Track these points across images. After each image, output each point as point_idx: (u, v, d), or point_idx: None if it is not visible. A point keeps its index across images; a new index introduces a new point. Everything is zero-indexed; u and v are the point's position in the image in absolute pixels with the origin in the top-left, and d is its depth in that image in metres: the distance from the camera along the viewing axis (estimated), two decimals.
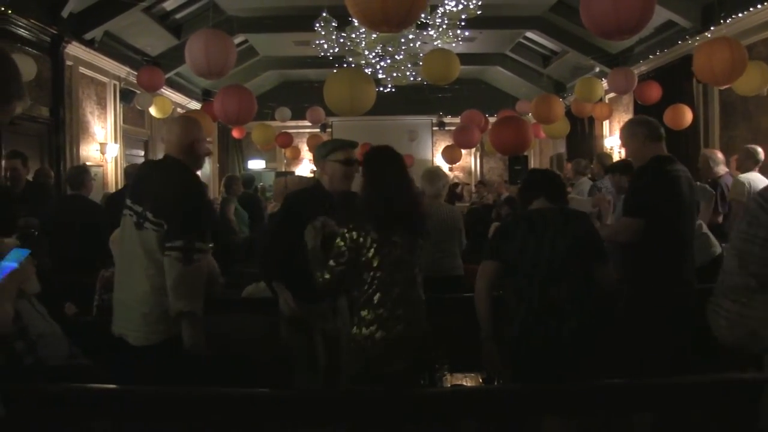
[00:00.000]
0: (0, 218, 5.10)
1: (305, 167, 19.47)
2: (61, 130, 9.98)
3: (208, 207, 3.57)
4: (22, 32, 8.83)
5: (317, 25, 11.20)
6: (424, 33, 11.52)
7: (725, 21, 9.03)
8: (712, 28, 9.33)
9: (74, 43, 10.16)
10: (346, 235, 3.00)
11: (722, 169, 6.55)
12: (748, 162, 6.37)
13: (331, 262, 3.02)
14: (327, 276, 3.03)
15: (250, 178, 10.72)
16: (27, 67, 7.88)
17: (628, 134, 3.99)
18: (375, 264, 2.99)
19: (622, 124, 13.16)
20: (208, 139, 4.70)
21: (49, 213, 6.01)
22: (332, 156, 3.59)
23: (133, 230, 3.26)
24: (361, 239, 2.99)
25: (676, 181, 3.77)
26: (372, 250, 2.99)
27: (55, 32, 9.55)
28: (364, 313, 3.02)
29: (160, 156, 3.93)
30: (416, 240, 3.12)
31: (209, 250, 3.31)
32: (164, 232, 3.15)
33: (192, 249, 3.13)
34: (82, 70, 10.83)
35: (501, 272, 3.32)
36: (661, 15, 10.07)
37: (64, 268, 5.36)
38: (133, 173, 3.77)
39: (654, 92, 10.09)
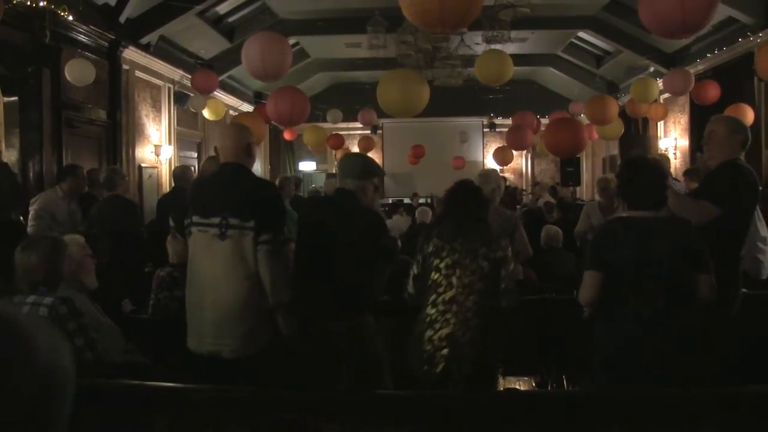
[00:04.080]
0: None
1: None
2: (117, 132, 10.21)
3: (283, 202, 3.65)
4: (83, 38, 9.08)
5: (369, 27, 11.22)
6: (476, 34, 11.44)
7: None
8: None
9: (131, 47, 10.38)
10: (419, 244, 3.34)
11: None
12: None
13: (413, 270, 3.37)
14: (410, 290, 3.39)
15: (297, 181, 10.71)
16: (87, 72, 8.09)
17: (728, 130, 3.72)
18: (434, 265, 3.24)
19: (677, 124, 12.96)
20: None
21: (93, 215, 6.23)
22: (373, 180, 3.63)
23: (216, 244, 3.26)
24: (425, 244, 3.30)
25: (758, 184, 3.68)
26: (433, 252, 3.26)
27: (112, 37, 9.79)
28: (423, 311, 3.27)
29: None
30: (479, 248, 3.23)
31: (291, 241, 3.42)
32: (256, 230, 3.20)
33: (282, 240, 3.28)
34: (138, 73, 11.04)
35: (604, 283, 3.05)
36: (720, 12, 9.79)
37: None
38: (189, 188, 3.81)
39: (712, 92, 9.82)
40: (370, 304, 3.54)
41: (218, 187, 3.42)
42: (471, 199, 3.43)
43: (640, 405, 2.61)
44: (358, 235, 3.43)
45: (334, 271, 3.40)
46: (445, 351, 3.13)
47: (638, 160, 3.31)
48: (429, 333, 3.17)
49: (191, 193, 3.69)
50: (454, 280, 3.18)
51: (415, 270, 3.36)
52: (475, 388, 3.17)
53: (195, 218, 3.35)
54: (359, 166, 3.62)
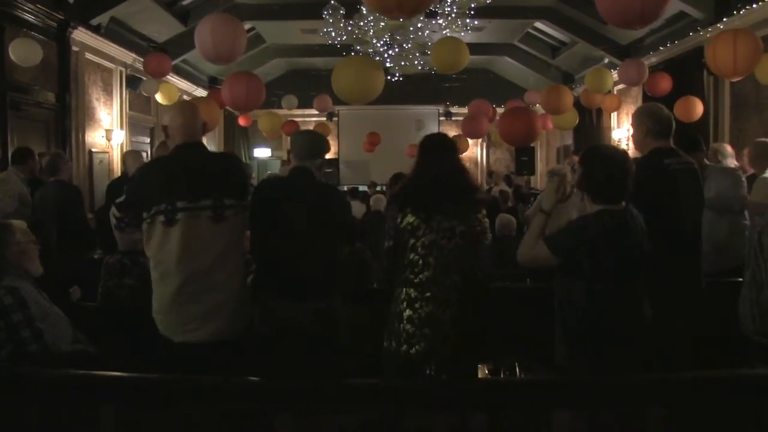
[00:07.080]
0: None
1: None
2: (67, 116, 9.94)
3: None
4: (29, 17, 8.78)
5: (325, 12, 11.14)
6: (433, 21, 11.45)
7: (739, 12, 8.91)
8: (725, 19, 9.22)
9: (80, 28, 10.09)
10: (390, 215, 3.21)
11: (730, 163, 6.39)
12: (763, 160, 5.87)
13: (385, 244, 3.25)
14: (385, 264, 3.30)
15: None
16: (33, 52, 7.82)
17: (635, 121, 3.83)
18: (410, 245, 3.15)
19: (630, 115, 13.14)
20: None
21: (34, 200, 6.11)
22: (324, 156, 3.73)
23: (210, 227, 3.12)
24: (399, 219, 3.17)
25: (671, 176, 3.59)
26: (408, 231, 3.15)
27: (61, 17, 9.50)
28: (397, 291, 3.20)
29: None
30: (455, 227, 3.17)
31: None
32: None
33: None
34: (89, 56, 10.76)
35: None
36: (673, 6, 9.96)
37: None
38: (149, 174, 3.42)
39: (664, 84, 9.98)
40: (338, 286, 3.52)
41: (200, 168, 3.19)
42: (450, 166, 3.27)
43: (589, 390, 2.64)
44: (319, 212, 3.39)
45: (298, 251, 3.34)
46: (426, 330, 3.09)
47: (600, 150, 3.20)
48: (408, 312, 3.12)
49: (160, 179, 3.22)
50: (431, 260, 3.13)
51: (389, 242, 3.24)
52: (456, 368, 3.15)
53: (180, 204, 3.08)
54: (315, 145, 3.64)
